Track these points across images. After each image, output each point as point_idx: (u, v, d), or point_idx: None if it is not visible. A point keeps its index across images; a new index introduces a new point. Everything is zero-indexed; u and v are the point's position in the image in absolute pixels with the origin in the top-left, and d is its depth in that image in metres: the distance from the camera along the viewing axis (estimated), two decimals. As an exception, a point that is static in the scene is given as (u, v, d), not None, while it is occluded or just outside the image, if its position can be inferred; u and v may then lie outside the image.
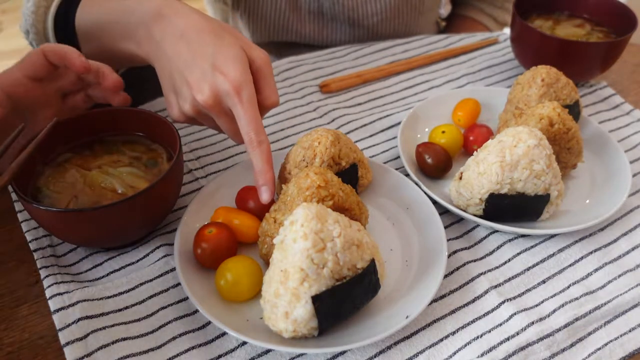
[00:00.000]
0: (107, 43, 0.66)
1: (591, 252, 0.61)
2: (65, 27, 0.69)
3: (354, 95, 0.85)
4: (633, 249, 0.62)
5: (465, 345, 0.52)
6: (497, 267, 0.60)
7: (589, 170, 0.70)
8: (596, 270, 0.59)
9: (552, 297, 0.57)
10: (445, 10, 1.10)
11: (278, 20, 1.00)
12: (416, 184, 0.65)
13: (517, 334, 0.53)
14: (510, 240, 0.62)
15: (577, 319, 0.54)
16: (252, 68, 0.57)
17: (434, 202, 0.62)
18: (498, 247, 0.62)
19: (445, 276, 0.58)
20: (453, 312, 0.55)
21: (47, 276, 0.56)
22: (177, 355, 0.51)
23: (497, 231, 0.63)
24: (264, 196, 0.57)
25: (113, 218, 0.53)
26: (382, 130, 0.78)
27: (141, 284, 0.57)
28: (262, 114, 0.58)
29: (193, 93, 0.56)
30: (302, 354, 0.51)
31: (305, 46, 1.03)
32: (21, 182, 0.54)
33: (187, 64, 0.56)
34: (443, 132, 0.70)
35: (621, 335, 0.54)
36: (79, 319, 0.52)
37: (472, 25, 1.14)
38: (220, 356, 0.51)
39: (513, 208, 0.60)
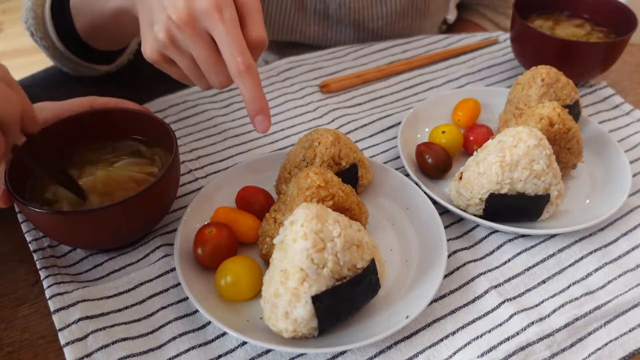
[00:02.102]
0: (97, 9, 0.66)
1: (591, 252, 0.61)
2: (61, 8, 0.69)
3: (354, 95, 0.85)
4: (633, 249, 0.62)
5: (465, 345, 0.52)
6: (497, 267, 0.60)
7: (589, 170, 0.70)
8: (596, 270, 0.59)
9: (552, 297, 0.57)
10: (452, 15, 1.10)
11: (283, 20, 1.00)
12: (416, 184, 0.65)
13: (517, 334, 0.53)
14: (510, 240, 0.62)
15: (577, 319, 0.54)
16: (236, 3, 0.52)
17: (434, 202, 0.62)
18: (498, 247, 0.62)
19: (445, 276, 0.58)
20: (453, 312, 0.55)
21: (47, 276, 0.56)
22: (177, 355, 0.51)
23: (497, 231, 0.63)
24: (261, 126, 0.52)
25: (109, 220, 0.52)
26: (382, 130, 0.78)
27: (141, 284, 0.57)
28: None
29: (168, 12, 0.50)
30: (302, 354, 0.51)
31: (309, 47, 1.03)
32: (16, 185, 0.54)
33: None
34: (443, 132, 0.70)
35: (621, 335, 0.54)
36: (79, 319, 0.52)
37: (473, 29, 1.14)
38: (220, 356, 0.51)
39: (513, 208, 0.60)
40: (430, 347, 0.52)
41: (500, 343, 0.52)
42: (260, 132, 0.52)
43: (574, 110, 0.70)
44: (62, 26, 0.73)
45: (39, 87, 0.86)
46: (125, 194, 0.56)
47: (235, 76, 0.51)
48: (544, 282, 0.58)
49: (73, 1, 0.69)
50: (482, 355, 0.51)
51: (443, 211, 0.64)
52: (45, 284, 0.55)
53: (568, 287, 0.58)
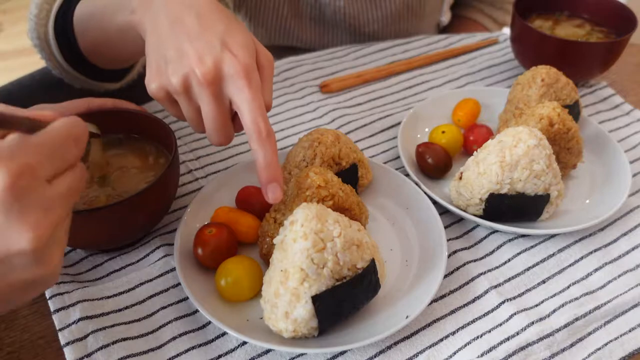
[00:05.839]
0: (102, 26, 0.64)
1: (591, 252, 0.61)
2: (63, 25, 0.69)
3: (354, 95, 0.85)
4: (633, 249, 0.62)
5: (465, 345, 0.52)
6: (497, 267, 0.60)
7: (589, 170, 0.70)
8: (596, 270, 0.59)
9: (552, 297, 0.57)
10: (446, 17, 1.10)
11: (279, 26, 1.00)
12: (416, 184, 0.65)
13: (517, 334, 0.53)
14: (510, 240, 0.62)
15: (577, 319, 0.54)
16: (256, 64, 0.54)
17: (434, 202, 0.62)
18: (498, 247, 0.62)
19: (445, 276, 0.58)
20: (453, 312, 0.55)
21: (47, 276, 0.56)
22: (177, 355, 0.51)
23: (497, 231, 0.63)
24: (274, 194, 0.50)
25: (109, 219, 0.52)
26: (382, 130, 0.78)
27: (141, 284, 0.57)
28: None
29: (192, 64, 0.49)
30: (302, 354, 0.51)
31: (306, 51, 1.03)
32: None
33: (192, 33, 0.50)
34: (443, 132, 0.70)
35: (621, 335, 0.54)
36: (79, 319, 0.52)
37: (471, 25, 1.14)
38: (220, 356, 0.51)
39: (513, 208, 0.60)
40: (430, 347, 0.52)
41: (500, 343, 0.52)
42: (272, 201, 0.50)
43: (574, 110, 0.70)
44: (67, 46, 0.71)
45: (37, 87, 0.86)
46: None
47: (256, 141, 0.49)
48: (544, 282, 0.58)
49: (77, 19, 0.67)
50: (482, 355, 0.51)
51: (443, 211, 0.64)
52: (45, 284, 0.55)
53: (568, 287, 0.58)
